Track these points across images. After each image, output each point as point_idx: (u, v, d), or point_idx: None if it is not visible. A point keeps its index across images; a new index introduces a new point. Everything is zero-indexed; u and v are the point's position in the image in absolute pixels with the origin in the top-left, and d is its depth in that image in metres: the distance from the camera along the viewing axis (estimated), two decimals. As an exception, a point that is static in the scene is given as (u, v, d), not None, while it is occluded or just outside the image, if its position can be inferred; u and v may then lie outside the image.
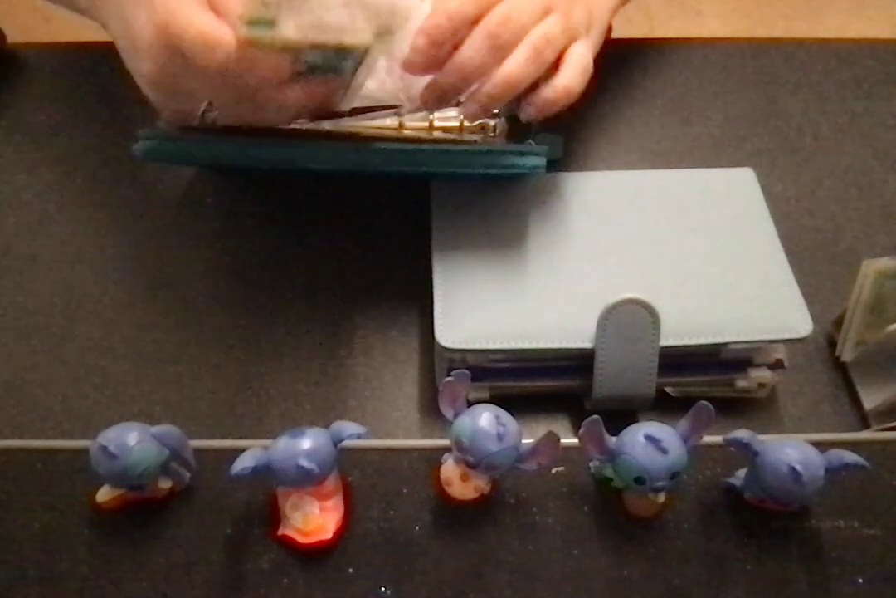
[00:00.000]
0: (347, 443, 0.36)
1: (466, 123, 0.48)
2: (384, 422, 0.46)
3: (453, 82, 0.41)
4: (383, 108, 0.45)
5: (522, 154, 0.44)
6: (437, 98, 0.42)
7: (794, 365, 0.47)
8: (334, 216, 0.55)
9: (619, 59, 0.62)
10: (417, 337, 0.49)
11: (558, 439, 0.36)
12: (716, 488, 0.40)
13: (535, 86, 0.42)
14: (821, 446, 0.36)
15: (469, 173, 0.44)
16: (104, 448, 0.35)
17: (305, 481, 0.36)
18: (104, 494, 0.38)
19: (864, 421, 0.46)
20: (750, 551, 0.38)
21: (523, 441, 0.36)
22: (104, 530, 0.39)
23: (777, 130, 0.59)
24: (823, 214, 0.55)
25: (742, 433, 0.36)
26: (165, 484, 0.38)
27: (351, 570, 0.38)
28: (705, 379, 0.46)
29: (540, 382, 0.46)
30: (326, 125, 0.44)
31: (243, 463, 0.35)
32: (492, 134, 0.49)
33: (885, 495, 0.40)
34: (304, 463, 0.34)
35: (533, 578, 0.37)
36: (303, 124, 0.44)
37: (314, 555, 0.38)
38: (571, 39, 0.43)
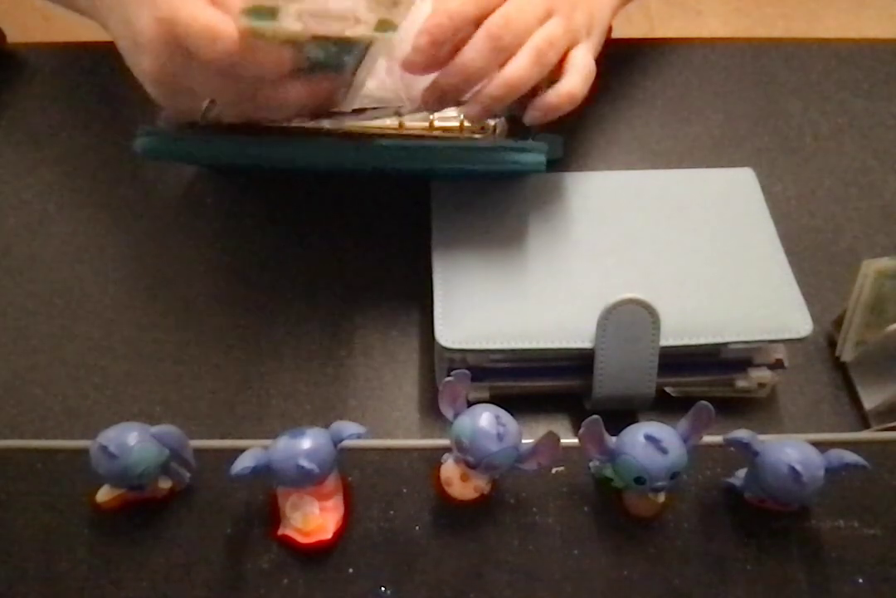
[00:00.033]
0: (347, 443, 0.36)
1: (466, 124, 0.48)
2: (384, 422, 0.46)
3: (455, 83, 0.41)
4: (384, 107, 0.45)
5: (523, 151, 0.44)
6: (438, 99, 0.42)
7: (794, 365, 0.47)
8: (334, 216, 0.55)
9: (619, 59, 0.62)
10: (417, 337, 0.49)
11: (558, 439, 0.36)
12: (716, 488, 0.40)
13: (536, 88, 0.42)
14: (821, 446, 0.36)
15: (469, 170, 0.44)
16: (104, 448, 0.35)
17: (305, 481, 0.36)
18: (104, 494, 0.38)
19: (864, 421, 0.46)
20: (750, 551, 0.38)
21: (523, 441, 0.36)
22: (104, 530, 0.39)
23: (777, 130, 0.59)
24: (823, 214, 0.55)
25: (742, 433, 0.36)
26: (165, 484, 0.38)
27: (351, 570, 0.38)
28: (705, 379, 0.46)
29: (540, 382, 0.46)
30: (326, 124, 0.44)
31: (243, 463, 0.35)
32: (492, 134, 0.49)
33: (885, 495, 0.40)
34: (304, 463, 0.34)
35: (533, 578, 0.37)
36: (303, 123, 0.44)
37: (314, 555, 0.38)
38: (573, 42, 0.44)
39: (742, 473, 0.39)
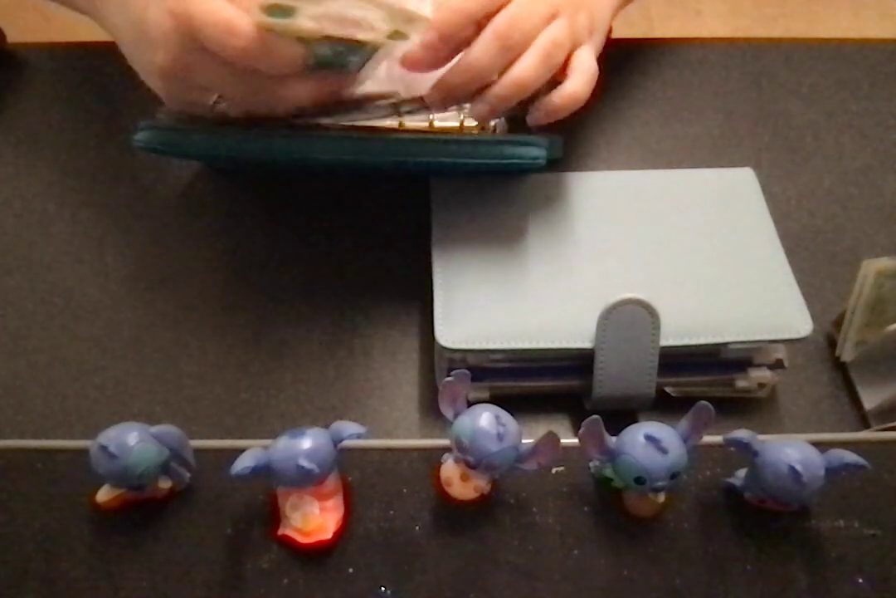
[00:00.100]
0: (347, 443, 0.36)
1: (466, 123, 0.48)
2: (384, 422, 0.46)
3: (461, 82, 0.41)
4: (383, 95, 0.45)
5: (522, 145, 0.44)
6: (444, 97, 0.42)
7: (794, 365, 0.47)
8: (334, 216, 0.55)
9: (619, 59, 0.62)
10: (417, 337, 0.49)
11: (558, 439, 0.36)
12: (716, 488, 0.40)
13: (536, 90, 0.42)
14: (821, 446, 0.36)
15: (469, 164, 0.44)
16: (104, 448, 0.35)
17: (305, 481, 0.36)
18: (104, 494, 0.38)
19: (864, 421, 0.46)
20: (750, 551, 0.38)
21: (523, 441, 0.36)
22: (104, 530, 0.39)
23: (777, 130, 0.59)
24: (823, 214, 0.55)
25: (742, 433, 0.36)
26: (165, 484, 0.38)
27: (351, 570, 0.38)
28: (705, 379, 0.46)
29: (540, 382, 0.46)
30: (325, 122, 0.44)
31: (243, 463, 0.35)
32: (491, 134, 0.49)
33: (885, 495, 0.40)
34: (304, 463, 0.34)
35: (533, 578, 0.37)
36: (304, 122, 0.44)
37: (314, 555, 0.38)
38: (576, 44, 0.44)
39: (742, 473, 0.39)
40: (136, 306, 0.51)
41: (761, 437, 0.37)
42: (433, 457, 0.40)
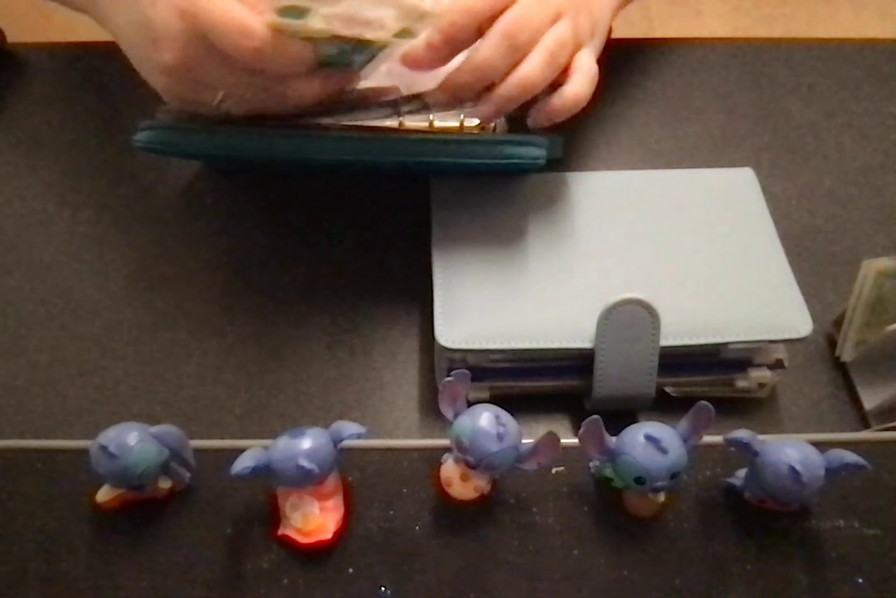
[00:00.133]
0: (347, 443, 0.36)
1: (466, 123, 0.48)
2: (384, 422, 0.46)
3: (469, 82, 0.41)
4: (384, 90, 0.45)
5: (522, 144, 0.44)
6: (450, 98, 0.42)
7: (794, 365, 0.47)
8: (334, 216, 0.55)
9: (619, 59, 0.62)
10: (417, 337, 0.49)
11: (558, 439, 0.36)
12: (716, 488, 0.40)
13: (539, 92, 0.42)
14: (821, 446, 0.36)
15: (469, 164, 0.44)
16: (104, 448, 0.35)
17: (305, 481, 0.36)
18: (104, 494, 0.38)
19: (864, 421, 0.46)
20: (750, 551, 0.38)
21: (523, 441, 0.36)
22: (104, 530, 0.39)
23: (777, 130, 0.59)
24: (823, 214, 0.55)
25: (742, 433, 0.36)
26: (165, 484, 0.38)
27: (351, 570, 0.38)
28: (705, 379, 0.46)
29: (540, 382, 0.46)
30: (326, 121, 0.44)
31: (243, 463, 0.35)
32: (491, 134, 0.49)
33: (885, 495, 0.40)
34: (304, 463, 0.34)
35: (533, 578, 0.37)
36: (305, 120, 0.44)
37: (314, 555, 0.38)
38: (578, 46, 0.44)
39: (742, 473, 0.39)
40: (136, 306, 0.51)
41: (761, 437, 0.37)
42: (433, 457, 0.40)
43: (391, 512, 0.39)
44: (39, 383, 0.48)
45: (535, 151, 0.44)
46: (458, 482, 0.38)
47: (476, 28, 0.41)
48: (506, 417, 0.36)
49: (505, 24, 0.40)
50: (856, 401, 0.47)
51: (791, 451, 0.35)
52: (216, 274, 0.52)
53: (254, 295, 0.51)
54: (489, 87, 0.42)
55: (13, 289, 0.51)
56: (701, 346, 0.43)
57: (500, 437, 0.35)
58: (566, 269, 0.46)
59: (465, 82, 0.41)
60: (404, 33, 0.38)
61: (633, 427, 0.37)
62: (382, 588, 0.37)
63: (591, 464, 0.40)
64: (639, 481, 0.36)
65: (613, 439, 0.37)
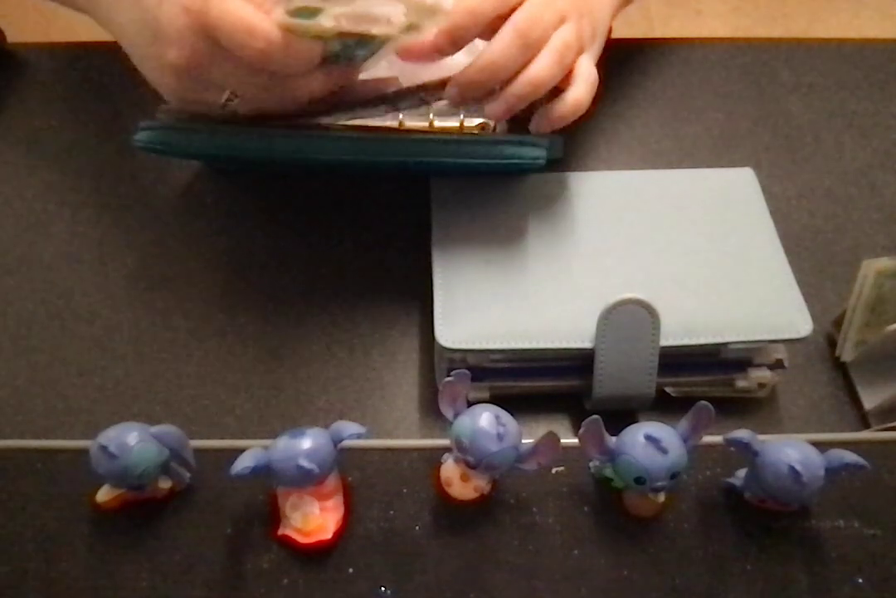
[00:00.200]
0: (347, 443, 0.36)
1: (466, 123, 0.48)
2: (384, 422, 0.46)
3: (482, 80, 0.41)
4: (385, 81, 0.45)
5: (522, 144, 0.44)
6: (460, 95, 0.42)
7: (794, 365, 0.47)
8: (334, 216, 0.55)
9: (619, 59, 0.62)
10: (417, 337, 0.49)
11: (558, 439, 0.36)
12: (716, 488, 0.40)
13: (540, 98, 0.42)
14: (821, 446, 0.36)
15: (469, 164, 0.44)
16: (104, 448, 0.35)
17: (305, 481, 0.36)
18: (104, 494, 0.38)
19: (864, 421, 0.46)
20: (750, 551, 0.38)
21: (523, 441, 0.36)
22: (104, 530, 0.39)
23: (777, 130, 0.59)
24: (823, 214, 0.55)
25: (742, 433, 0.36)
26: (165, 484, 0.38)
27: (351, 570, 0.38)
28: (705, 379, 0.46)
29: (540, 382, 0.46)
30: (326, 121, 0.44)
31: (243, 463, 0.35)
32: (491, 133, 0.49)
33: (885, 495, 0.40)
34: (304, 463, 0.34)
35: (533, 578, 0.37)
36: (305, 120, 0.44)
37: (314, 555, 0.38)
38: (581, 49, 0.44)
39: (742, 473, 0.39)
40: (136, 306, 0.51)
41: (761, 437, 0.37)
42: (433, 457, 0.40)
43: (391, 512, 0.39)
44: (39, 383, 0.48)
45: (535, 151, 0.44)
46: (458, 482, 0.38)
47: (479, 29, 0.41)
48: (506, 417, 0.36)
49: (517, 21, 0.40)
50: (856, 401, 0.47)
51: (791, 451, 0.35)
52: (216, 274, 0.52)
53: (254, 295, 0.51)
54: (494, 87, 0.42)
55: (13, 289, 0.51)
56: (701, 346, 0.43)
57: (500, 437, 0.35)
58: (566, 269, 0.46)
59: (477, 80, 0.41)
60: (410, 29, 0.38)
61: (633, 427, 0.37)
62: (382, 588, 0.37)
63: (591, 464, 0.40)
64: (639, 481, 0.36)
65: (613, 439, 0.37)
